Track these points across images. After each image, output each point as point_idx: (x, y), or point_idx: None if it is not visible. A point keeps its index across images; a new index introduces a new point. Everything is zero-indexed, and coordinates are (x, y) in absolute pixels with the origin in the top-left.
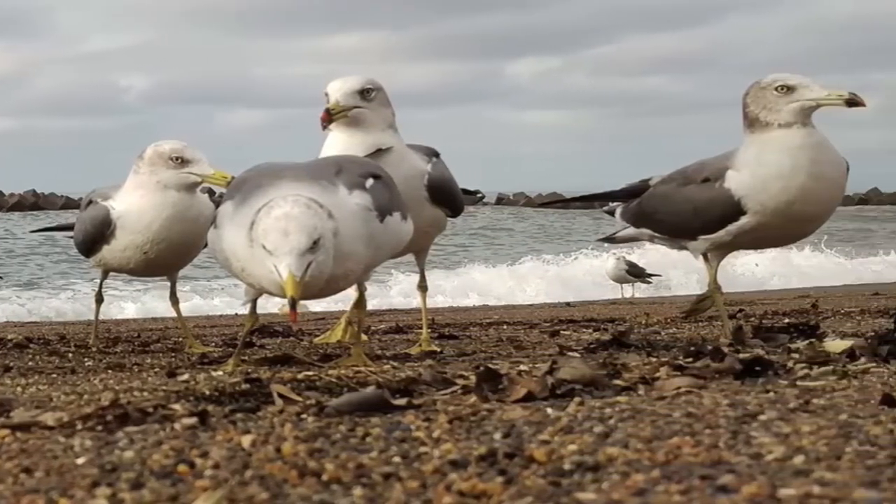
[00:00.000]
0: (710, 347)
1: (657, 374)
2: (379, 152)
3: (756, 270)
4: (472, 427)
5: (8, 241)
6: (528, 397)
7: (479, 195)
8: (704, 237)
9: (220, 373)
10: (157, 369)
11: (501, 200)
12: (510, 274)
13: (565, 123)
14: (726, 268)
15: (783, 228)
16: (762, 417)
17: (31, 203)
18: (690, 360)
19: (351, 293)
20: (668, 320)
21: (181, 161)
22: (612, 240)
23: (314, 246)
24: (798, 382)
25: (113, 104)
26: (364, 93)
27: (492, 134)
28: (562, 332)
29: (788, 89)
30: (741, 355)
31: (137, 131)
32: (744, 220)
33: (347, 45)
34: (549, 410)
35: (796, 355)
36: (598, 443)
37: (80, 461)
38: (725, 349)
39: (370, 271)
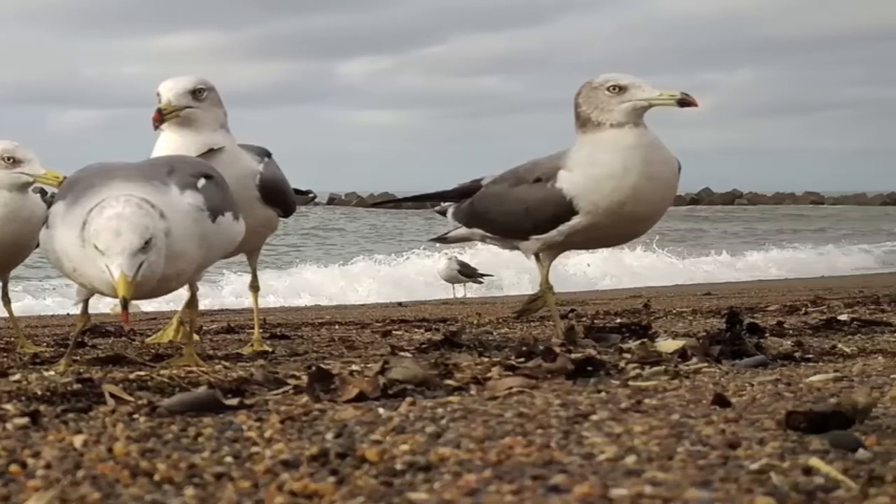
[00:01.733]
0: (541, 347)
1: (489, 374)
2: (211, 152)
3: (588, 270)
4: (303, 427)
5: None
6: (360, 397)
7: (311, 195)
8: (536, 237)
9: (52, 373)
10: None
11: (333, 200)
12: (342, 274)
13: (398, 123)
14: (558, 268)
15: (615, 228)
16: (594, 417)
17: None
18: (522, 360)
19: (183, 293)
20: (500, 320)
21: (12, 161)
22: (443, 240)
23: (146, 246)
24: (630, 382)
25: None
26: (196, 93)
27: (324, 134)
28: (393, 332)
29: (620, 89)
30: (573, 355)
31: None
32: (576, 220)
33: (179, 45)
34: (381, 410)
35: (628, 355)
36: (430, 443)
37: None
38: (557, 349)
39: (202, 271)
